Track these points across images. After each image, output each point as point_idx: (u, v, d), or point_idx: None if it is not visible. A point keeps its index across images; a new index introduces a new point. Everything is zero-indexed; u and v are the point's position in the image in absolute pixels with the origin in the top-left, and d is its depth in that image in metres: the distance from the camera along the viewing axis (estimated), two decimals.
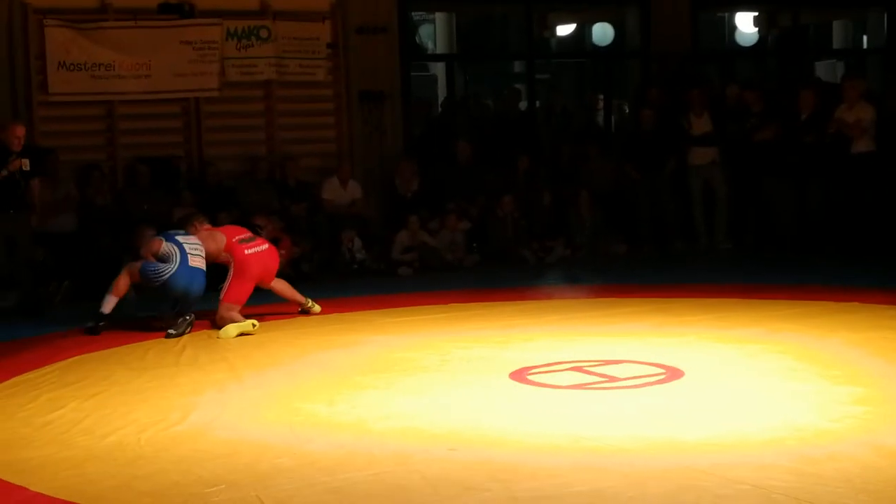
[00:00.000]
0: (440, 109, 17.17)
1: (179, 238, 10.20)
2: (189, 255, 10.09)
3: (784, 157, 13.94)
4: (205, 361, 8.80)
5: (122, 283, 10.20)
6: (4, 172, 10.90)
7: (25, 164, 11.04)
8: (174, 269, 10.00)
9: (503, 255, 14.16)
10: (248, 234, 10.66)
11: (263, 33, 14.28)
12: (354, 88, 14.85)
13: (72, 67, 13.38)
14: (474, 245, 14.23)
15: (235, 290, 10.25)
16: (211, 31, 14.00)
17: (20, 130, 11.18)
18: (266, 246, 10.68)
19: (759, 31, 17.91)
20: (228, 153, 14.22)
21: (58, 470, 6.11)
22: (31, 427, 7.02)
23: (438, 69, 19.18)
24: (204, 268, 10.21)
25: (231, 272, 10.35)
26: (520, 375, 7.97)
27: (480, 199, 14.65)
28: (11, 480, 5.95)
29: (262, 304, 10.71)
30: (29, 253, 11.49)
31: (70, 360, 9.00)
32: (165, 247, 10.08)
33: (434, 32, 19.43)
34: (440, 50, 19.11)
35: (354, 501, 5.49)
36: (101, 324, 10.08)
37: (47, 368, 8.70)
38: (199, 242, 10.32)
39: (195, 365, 8.69)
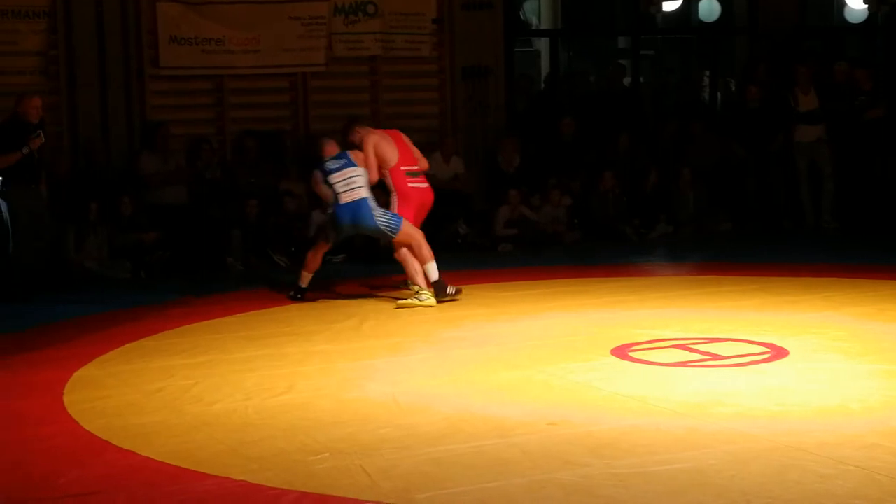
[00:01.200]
0: (543, 85, 17.13)
1: (332, 177, 10.09)
2: (340, 194, 10.02)
3: (893, 135, 13.70)
4: (310, 332, 8.93)
5: (313, 258, 10.27)
6: (26, 150, 10.56)
7: (42, 137, 10.73)
8: (334, 211, 10.09)
9: (604, 232, 14.12)
10: (416, 168, 10.44)
11: (370, 9, 14.35)
12: (458, 64, 14.88)
13: (182, 42, 13.59)
14: (575, 221, 14.21)
15: (403, 213, 10.19)
16: (319, 6, 14.11)
17: (38, 101, 10.88)
18: (426, 185, 10.54)
19: (868, 8, 17.55)
20: (334, 128, 14.31)
21: (168, 436, 6.26)
22: (142, 394, 7.19)
23: (542, 45, 19.10)
24: (364, 194, 10.03)
25: (395, 202, 10.30)
26: (622, 352, 7.98)
27: (582, 175, 14.61)
28: (122, 445, 6.11)
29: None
30: (46, 230, 11.11)
31: (181, 328, 9.20)
32: (324, 188, 10.15)
33: (538, 8, 19.35)
34: (545, 26, 19.03)
35: (455, 472, 5.55)
36: (299, 295, 10.23)
37: (158, 336, 8.90)
38: (352, 171, 10.09)
39: (301, 335, 8.82)
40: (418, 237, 10.07)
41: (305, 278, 10.28)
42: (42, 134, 10.68)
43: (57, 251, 11.81)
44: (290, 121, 14.23)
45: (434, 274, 10.02)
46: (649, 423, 6.26)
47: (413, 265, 10.05)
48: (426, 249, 10.03)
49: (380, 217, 10.02)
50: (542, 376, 7.39)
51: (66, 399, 7.09)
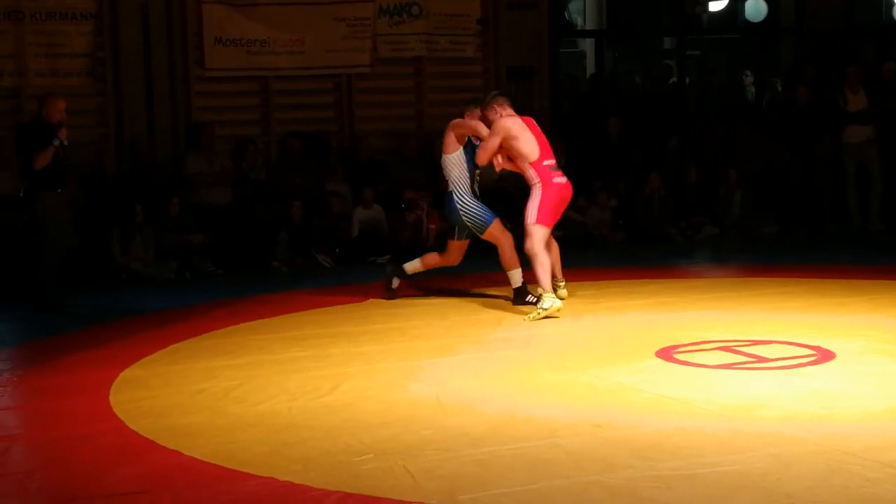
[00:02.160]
0: (588, 86, 17.09)
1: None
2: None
3: None
4: (355, 333, 8.93)
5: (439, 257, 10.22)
6: (57, 142, 10.13)
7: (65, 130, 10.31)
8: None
9: (650, 233, 14.06)
10: (555, 162, 9.75)
11: (415, 10, 14.37)
12: (503, 64, 14.86)
13: (228, 43, 13.65)
14: (621, 222, 14.16)
15: (545, 212, 9.51)
16: (364, 7, 14.14)
17: (63, 104, 10.42)
18: (566, 180, 9.73)
19: None
20: (379, 129, 14.36)
21: (211, 436, 6.29)
22: (185, 394, 7.22)
23: (587, 45, 19.06)
24: (450, 187, 9.90)
25: (538, 193, 9.54)
26: (666, 354, 7.94)
27: (628, 177, 14.56)
28: (167, 445, 6.14)
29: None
30: (70, 238, 10.73)
31: (225, 329, 9.24)
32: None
33: (584, 8, 19.32)
34: (590, 26, 18.99)
35: (498, 474, 5.55)
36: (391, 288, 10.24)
37: (203, 337, 8.94)
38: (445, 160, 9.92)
39: (346, 336, 8.83)
40: (504, 240, 9.81)
41: (418, 269, 10.24)
42: (64, 128, 10.35)
43: (103, 252, 11.90)
44: (335, 122, 14.27)
45: (517, 280, 9.84)
46: (694, 425, 6.22)
47: (542, 269, 9.36)
48: (511, 254, 9.78)
49: (466, 212, 9.85)
50: (586, 378, 7.37)
51: (112, 399, 7.14)
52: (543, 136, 9.84)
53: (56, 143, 10.16)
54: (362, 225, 13.01)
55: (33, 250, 10.35)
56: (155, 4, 13.37)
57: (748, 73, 17.00)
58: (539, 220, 9.46)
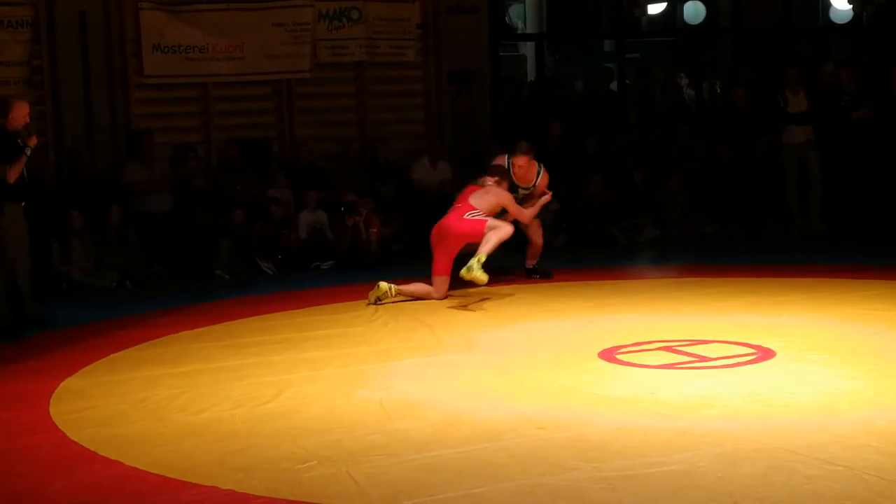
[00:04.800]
0: (529, 90, 17.13)
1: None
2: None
3: (878, 136, 13.72)
4: (297, 339, 8.90)
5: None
6: (28, 151, 9.56)
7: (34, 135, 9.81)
8: None
9: (592, 235, 14.10)
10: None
11: (354, 14, 14.34)
12: (444, 69, 14.88)
13: (166, 50, 13.56)
14: (563, 225, 14.19)
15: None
16: (303, 12, 14.09)
17: (27, 108, 9.86)
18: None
19: (853, 9, 17.58)
20: (320, 134, 14.31)
21: (153, 445, 6.24)
22: (127, 403, 7.16)
23: (528, 49, 19.12)
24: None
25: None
26: (609, 355, 7.97)
27: (568, 180, 14.58)
28: (108, 455, 6.09)
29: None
30: (26, 259, 9.90)
31: (166, 337, 9.17)
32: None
33: (524, 12, 19.37)
34: (530, 30, 19.05)
35: (443, 478, 5.54)
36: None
37: (144, 346, 8.87)
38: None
39: (288, 343, 8.80)
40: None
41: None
42: (34, 135, 9.85)
43: (43, 262, 11.76)
44: (276, 128, 14.21)
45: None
46: (638, 425, 6.25)
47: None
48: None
49: None
50: (529, 380, 7.38)
51: (52, 409, 7.06)
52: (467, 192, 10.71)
53: (28, 152, 9.61)
54: (308, 228, 12.96)
55: None
56: (92, 12, 13.24)
57: (682, 74, 17.12)
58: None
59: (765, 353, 7.82)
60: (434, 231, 10.54)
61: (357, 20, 14.35)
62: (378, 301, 10.15)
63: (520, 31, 19.12)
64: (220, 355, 8.42)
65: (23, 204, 9.78)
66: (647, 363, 7.71)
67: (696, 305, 9.71)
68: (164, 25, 13.52)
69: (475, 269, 9.73)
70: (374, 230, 12.91)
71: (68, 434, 6.52)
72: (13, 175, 9.57)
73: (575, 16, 19.96)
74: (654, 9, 17.73)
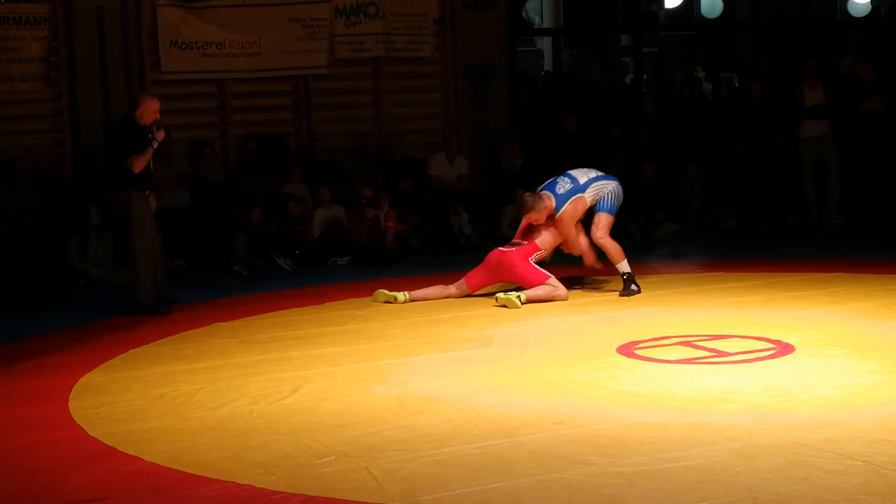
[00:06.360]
0: (546, 84, 17.11)
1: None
2: None
3: (892, 128, 13.67)
4: (315, 335, 8.91)
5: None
6: (155, 144, 10.08)
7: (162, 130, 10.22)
8: None
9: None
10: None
11: (371, 10, 14.33)
12: (461, 64, 14.86)
13: (183, 46, 13.57)
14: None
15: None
16: (320, 8, 14.09)
17: (157, 104, 10.27)
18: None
19: (871, 2, 17.51)
20: (337, 130, 14.31)
21: (171, 441, 6.26)
22: (145, 399, 7.18)
23: (545, 43, 19.09)
24: None
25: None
26: (627, 350, 7.96)
27: None
28: (127, 451, 6.10)
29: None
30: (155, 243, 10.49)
31: (184, 333, 9.18)
32: None
33: (541, 7, 19.34)
34: (547, 25, 19.02)
35: (461, 474, 5.54)
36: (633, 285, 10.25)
37: (162, 342, 8.89)
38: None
39: (306, 339, 8.80)
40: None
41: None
42: (162, 129, 10.19)
43: (61, 258, 11.81)
44: (293, 123, 14.22)
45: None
46: (655, 420, 6.24)
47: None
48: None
49: None
50: (547, 375, 7.38)
51: (71, 405, 7.09)
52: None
53: (154, 145, 10.10)
54: (323, 225, 12.96)
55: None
56: (110, 8, 13.26)
57: (699, 68, 17.07)
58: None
59: (784, 348, 7.80)
60: (494, 256, 10.30)
61: (374, 16, 14.34)
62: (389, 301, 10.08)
63: (537, 26, 19.09)
64: (238, 351, 8.43)
65: (147, 192, 10.22)
66: (665, 358, 7.70)
67: (715, 300, 9.70)
68: (181, 21, 13.53)
69: (514, 300, 9.69)
70: (391, 225, 12.92)
71: (87, 430, 6.53)
72: (139, 165, 10.02)
73: (592, 10, 19.93)
74: (671, 3, 17.68)
